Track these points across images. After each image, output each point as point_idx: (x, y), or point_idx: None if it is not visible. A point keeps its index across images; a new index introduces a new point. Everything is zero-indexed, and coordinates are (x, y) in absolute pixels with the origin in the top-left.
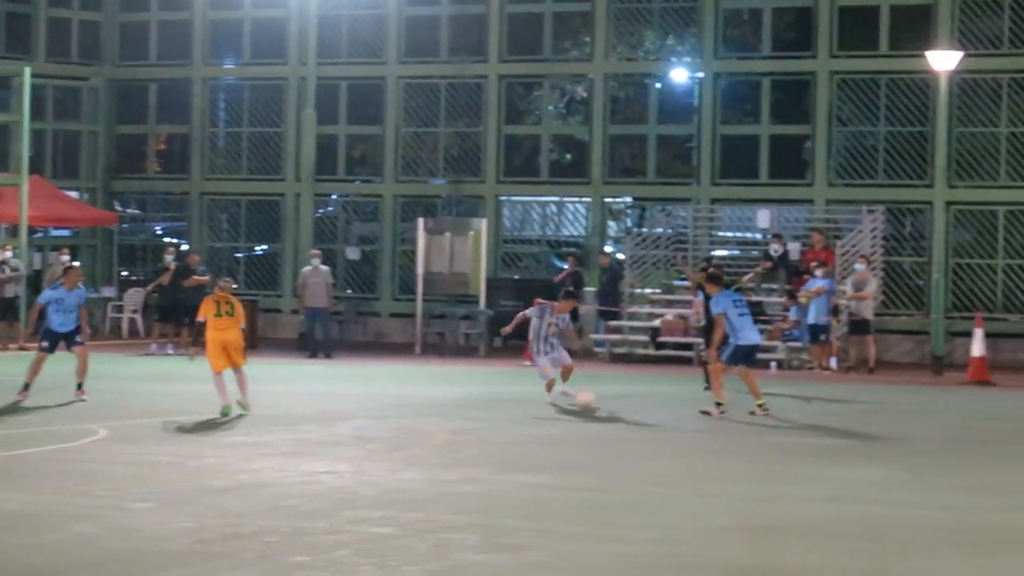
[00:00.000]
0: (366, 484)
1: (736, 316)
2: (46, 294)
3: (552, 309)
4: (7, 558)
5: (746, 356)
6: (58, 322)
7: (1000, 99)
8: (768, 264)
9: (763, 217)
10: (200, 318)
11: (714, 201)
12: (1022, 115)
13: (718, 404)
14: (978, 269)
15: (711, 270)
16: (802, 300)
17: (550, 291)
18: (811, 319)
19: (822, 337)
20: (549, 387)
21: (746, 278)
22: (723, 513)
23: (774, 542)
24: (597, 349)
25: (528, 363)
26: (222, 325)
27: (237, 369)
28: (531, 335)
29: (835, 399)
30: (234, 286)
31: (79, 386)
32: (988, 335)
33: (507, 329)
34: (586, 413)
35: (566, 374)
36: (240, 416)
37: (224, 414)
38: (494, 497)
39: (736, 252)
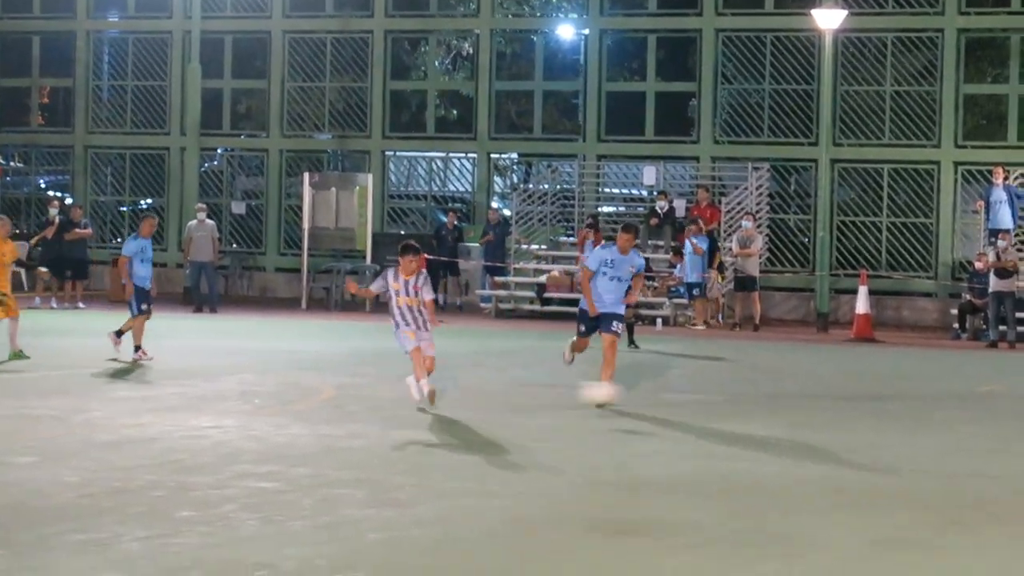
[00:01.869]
0: (252, 439)
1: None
2: None
3: (395, 272)
4: None
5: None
6: None
7: (884, 57)
8: (655, 220)
9: (649, 174)
10: None
11: (600, 158)
12: (906, 74)
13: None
14: (862, 227)
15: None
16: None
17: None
18: (688, 277)
19: (695, 292)
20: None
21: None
22: (606, 469)
23: (656, 498)
24: (483, 305)
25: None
26: None
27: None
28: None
29: (720, 357)
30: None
31: None
32: (872, 292)
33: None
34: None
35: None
36: (125, 370)
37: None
38: (380, 452)
39: (622, 208)
